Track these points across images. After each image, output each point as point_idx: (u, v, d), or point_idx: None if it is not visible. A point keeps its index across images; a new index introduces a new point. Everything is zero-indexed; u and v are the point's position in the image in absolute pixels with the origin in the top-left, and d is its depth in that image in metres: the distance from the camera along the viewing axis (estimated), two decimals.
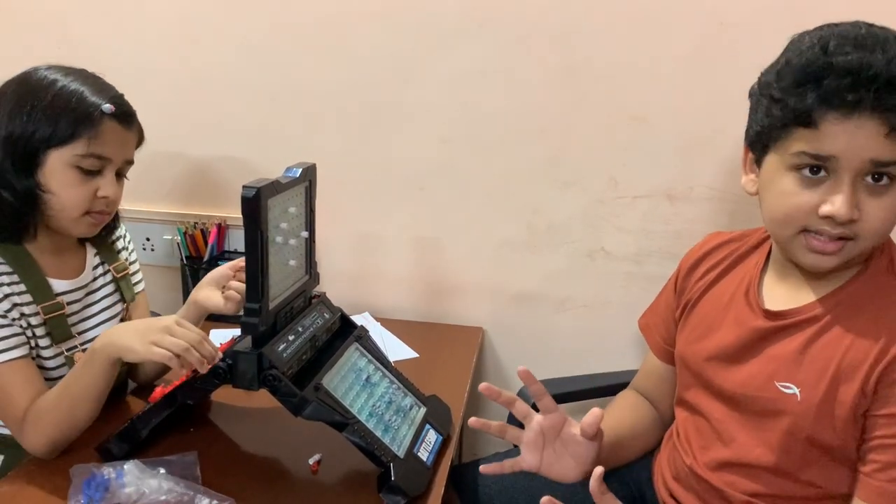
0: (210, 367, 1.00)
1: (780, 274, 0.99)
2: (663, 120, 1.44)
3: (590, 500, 0.90)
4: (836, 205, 0.84)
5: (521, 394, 1.38)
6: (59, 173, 1.08)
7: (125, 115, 1.13)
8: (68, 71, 1.13)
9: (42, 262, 1.14)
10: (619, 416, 1.18)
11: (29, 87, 1.09)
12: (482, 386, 0.97)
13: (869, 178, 0.84)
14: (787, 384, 0.92)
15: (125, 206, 1.60)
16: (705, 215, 1.48)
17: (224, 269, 1.23)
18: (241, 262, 1.21)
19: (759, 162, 0.95)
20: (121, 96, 1.15)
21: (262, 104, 1.58)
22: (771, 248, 1.03)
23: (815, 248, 0.88)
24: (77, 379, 1.06)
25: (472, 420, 0.97)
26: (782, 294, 0.97)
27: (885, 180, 0.84)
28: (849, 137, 0.82)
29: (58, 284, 1.16)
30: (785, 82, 0.86)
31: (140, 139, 1.19)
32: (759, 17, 1.33)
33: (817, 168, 0.85)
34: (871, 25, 0.85)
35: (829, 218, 0.85)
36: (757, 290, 1.00)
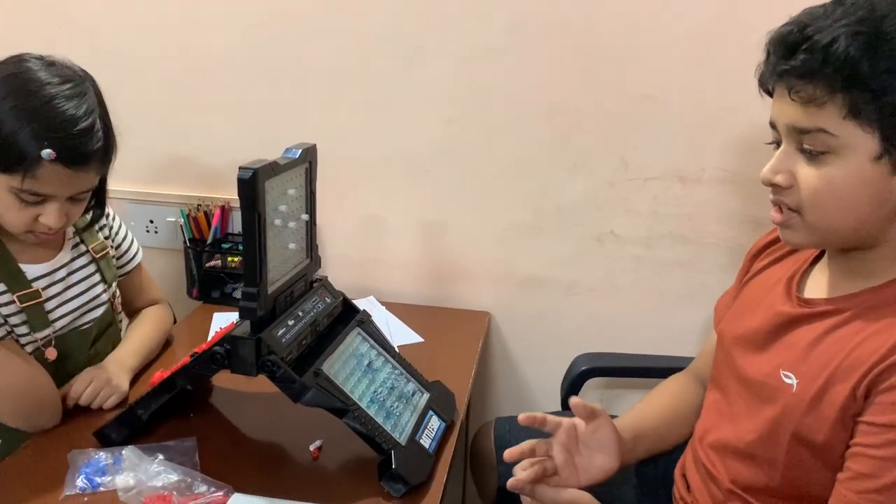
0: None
1: (829, 266, 0.96)
2: (675, 99, 1.40)
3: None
4: (764, 169, 0.87)
5: (567, 374, 1.40)
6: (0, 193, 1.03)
7: (73, 158, 1.01)
8: (48, 79, 1.01)
9: (13, 248, 1.12)
10: (655, 402, 1.17)
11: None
12: (521, 418, 0.98)
13: (805, 146, 0.83)
14: (789, 374, 0.89)
15: (128, 188, 1.61)
16: (717, 197, 1.44)
17: None
18: None
19: None
20: (82, 132, 1.01)
21: (265, 86, 1.56)
22: None
23: (772, 219, 0.90)
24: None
25: (521, 417, 0.98)
26: (822, 284, 0.95)
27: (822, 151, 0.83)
28: (777, 104, 0.86)
29: (32, 269, 1.14)
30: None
31: (103, 166, 1.09)
32: None
33: (776, 139, 0.89)
34: None
35: (767, 184, 0.88)
36: (801, 277, 0.98)
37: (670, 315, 1.53)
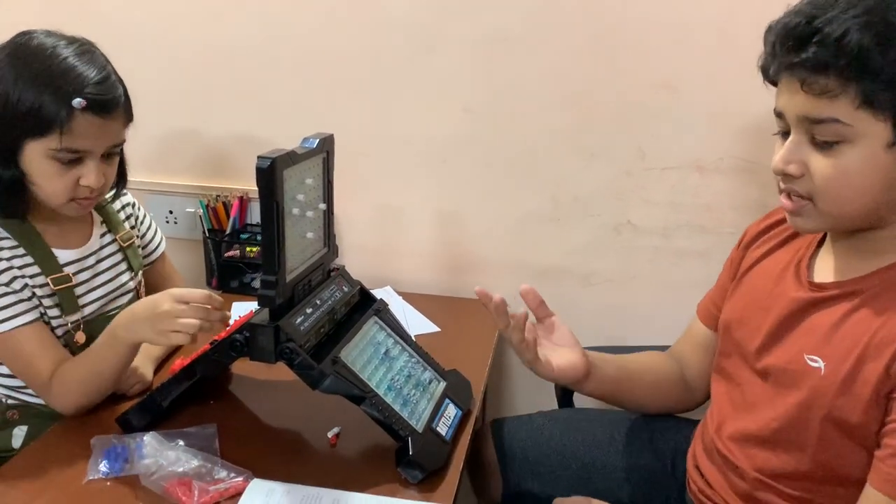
0: (227, 326, 1.02)
1: (834, 248, 0.96)
2: (692, 89, 1.39)
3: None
4: (775, 157, 0.87)
5: None
6: (37, 164, 1.05)
7: (103, 105, 1.05)
8: (55, 45, 1.05)
9: (47, 233, 1.14)
10: (635, 356, 1.21)
11: (12, 62, 1.04)
12: (477, 289, 0.99)
13: (817, 137, 0.83)
14: (815, 357, 0.89)
15: (148, 178, 1.62)
16: (736, 187, 1.43)
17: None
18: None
19: None
20: (102, 80, 1.05)
21: (283, 76, 1.56)
22: None
23: (783, 206, 0.91)
24: (102, 358, 1.09)
25: (477, 289, 0.99)
26: (832, 268, 0.95)
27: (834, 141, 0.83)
28: (785, 95, 0.86)
29: (64, 255, 1.16)
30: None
31: (128, 119, 1.13)
32: None
33: (782, 129, 0.89)
34: None
35: (779, 174, 0.88)
36: (808, 262, 0.98)
37: (689, 305, 1.52)
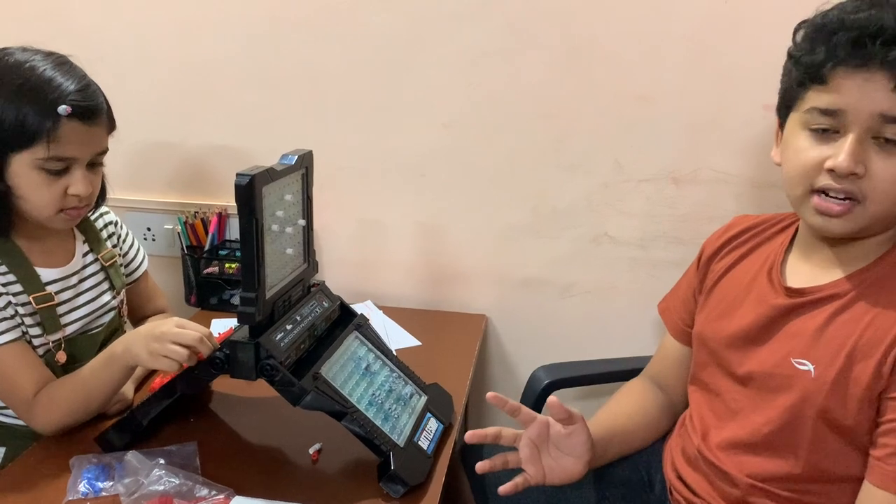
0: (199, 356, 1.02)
1: (805, 253, 0.98)
2: (669, 100, 1.41)
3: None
4: (838, 157, 0.84)
5: (528, 388, 1.39)
6: (24, 176, 1.06)
7: (87, 112, 1.06)
8: (32, 58, 1.06)
9: (30, 251, 1.14)
10: (624, 404, 1.17)
11: None
12: (489, 395, 0.96)
13: (880, 137, 0.83)
14: (803, 361, 0.90)
15: (126, 195, 1.61)
16: (711, 198, 1.45)
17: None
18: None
19: (782, 127, 0.96)
20: (83, 88, 1.07)
21: (262, 92, 1.56)
22: (797, 228, 1.02)
23: (821, 208, 0.88)
24: (96, 376, 1.09)
25: (490, 395, 0.96)
26: (806, 272, 0.96)
27: None
28: (857, 91, 0.83)
29: (47, 273, 1.15)
30: (802, 41, 0.89)
31: (111, 127, 1.14)
32: None
33: (831, 127, 0.86)
34: None
35: (833, 172, 0.85)
36: (780, 268, 0.99)
37: None
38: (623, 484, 1.16)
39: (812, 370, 0.90)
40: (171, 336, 1.01)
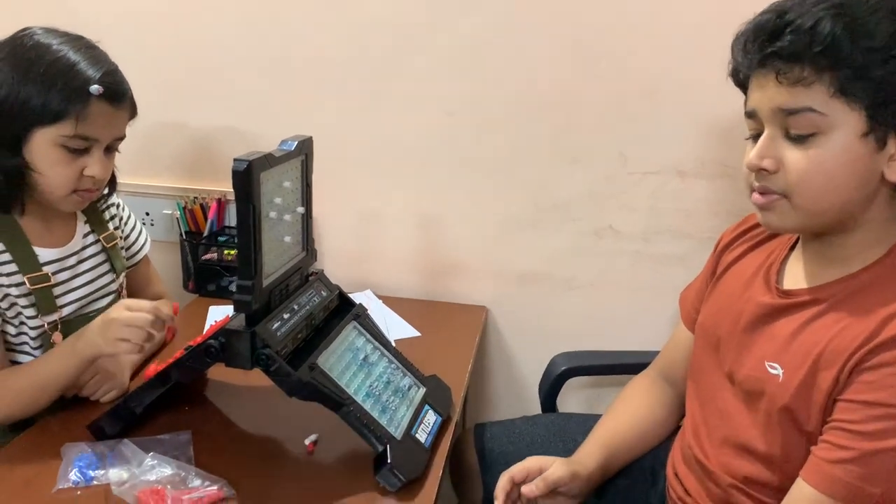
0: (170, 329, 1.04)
1: (804, 254, 0.96)
2: (674, 94, 1.39)
3: None
4: (749, 154, 0.87)
5: (545, 375, 1.42)
6: (44, 152, 1.06)
7: (115, 95, 1.08)
8: (61, 41, 1.08)
9: (30, 230, 1.13)
10: (628, 413, 1.17)
11: (16, 58, 1.05)
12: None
13: (791, 131, 0.84)
14: (774, 364, 0.90)
15: (125, 180, 1.58)
16: (717, 193, 1.43)
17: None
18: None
19: None
20: (113, 71, 1.10)
21: (262, 78, 1.54)
22: None
23: (753, 202, 0.90)
24: (50, 369, 1.08)
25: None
26: (800, 274, 0.95)
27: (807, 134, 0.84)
28: (758, 91, 0.86)
29: (45, 253, 1.14)
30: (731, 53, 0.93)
31: (132, 113, 1.15)
32: None
33: (755, 130, 0.89)
34: None
35: (754, 170, 0.88)
36: (779, 267, 0.98)
37: (669, 310, 1.52)
38: (628, 476, 1.16)
39: (781, 374, 0.89)
40: (122, 320, 1.02)
